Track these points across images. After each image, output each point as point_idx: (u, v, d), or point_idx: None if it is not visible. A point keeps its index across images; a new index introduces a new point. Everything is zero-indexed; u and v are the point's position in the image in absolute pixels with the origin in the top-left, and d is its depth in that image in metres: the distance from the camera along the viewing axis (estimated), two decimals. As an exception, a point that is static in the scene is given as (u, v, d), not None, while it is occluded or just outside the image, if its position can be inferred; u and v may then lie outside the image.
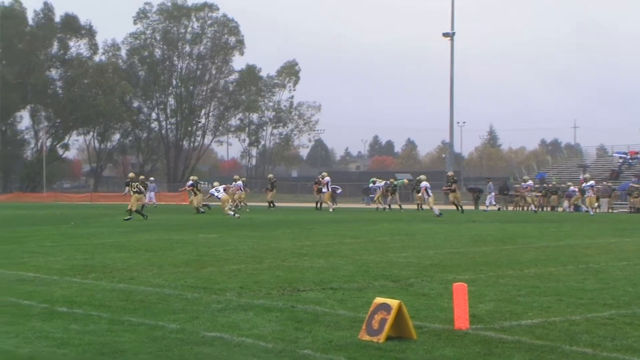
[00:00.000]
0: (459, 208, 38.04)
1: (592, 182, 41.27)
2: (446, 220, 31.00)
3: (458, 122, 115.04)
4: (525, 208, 46.81)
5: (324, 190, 43.00)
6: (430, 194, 36.79)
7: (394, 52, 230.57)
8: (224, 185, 37.32)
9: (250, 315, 8.85)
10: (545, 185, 53.40)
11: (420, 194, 39.41)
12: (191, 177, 43.98)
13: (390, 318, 7.33)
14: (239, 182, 43.07)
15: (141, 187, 34.36)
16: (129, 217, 31.49)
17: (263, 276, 12.32)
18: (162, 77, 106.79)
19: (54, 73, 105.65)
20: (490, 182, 49.41)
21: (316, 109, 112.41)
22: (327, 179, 43.59)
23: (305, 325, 8.19)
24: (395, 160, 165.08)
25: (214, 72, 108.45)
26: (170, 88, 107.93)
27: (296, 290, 10.72)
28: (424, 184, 37.07)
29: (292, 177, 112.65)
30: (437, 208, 35.58)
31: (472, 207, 47.86)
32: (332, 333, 7.81)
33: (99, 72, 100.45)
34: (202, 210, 38.66)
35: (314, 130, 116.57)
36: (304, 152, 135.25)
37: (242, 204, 42.54)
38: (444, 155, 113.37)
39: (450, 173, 42.34)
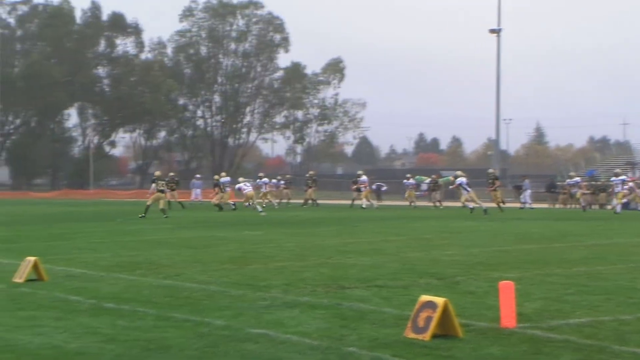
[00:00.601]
0: (500, 206, 37.36)
1: (623, 177, 40.55)
2: (492, 218, 30.76)
3: (504, 119, 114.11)
4: (572, 206, 46.26)
5: (362, 189, 42.97)
6: (469, 190, 36.14)
7: (440, 49, 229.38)
8: (251, 182, 37.34)
9: (295, 312, 8.85)
10: (594, 182, 52.72)
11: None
12: (214, 177, 44.29)
13: (436, 316, 7.28)
14: (265, 180, 43.19)
15: (167, 185, 34.24)
16: (142, 215, 31.30)
17: (308, 273, 12.31)
18: (207, 74, 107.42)
19: (101, 71, 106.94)
20: (527, 180, 48.90)
21: (361, 106, 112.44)
22: (364, 178, 43.39)
23: (350, 323, 8.17)
24: (441, 157, 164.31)
25: (259, 69, 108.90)
26: (216, 85, 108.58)
27: (341, 288, 10.69)
28: (460, 180, 36.51)
29: (337, 175, 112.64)
30: (472, 204, 35.14)
31: (519, 205, 47.44)
32: (378, 331, 7.78)
33: (145, 69, 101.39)
34: (233, 207, 38.55)
35: (359, 128, 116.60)
36: (349, 150, 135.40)
37: (267, 200, 42.46)
38: (489, 152, 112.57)
39: (491, 170, 41.67)
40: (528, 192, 46.19)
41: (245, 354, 6.82)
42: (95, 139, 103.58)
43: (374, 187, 62.62)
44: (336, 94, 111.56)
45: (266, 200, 42.05)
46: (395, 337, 7.44)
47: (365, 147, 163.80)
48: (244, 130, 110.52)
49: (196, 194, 52.90)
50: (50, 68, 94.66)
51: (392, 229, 23.91)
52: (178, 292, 10.32)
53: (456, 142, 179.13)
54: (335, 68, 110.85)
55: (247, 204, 36.92)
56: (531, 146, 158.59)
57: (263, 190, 41.91)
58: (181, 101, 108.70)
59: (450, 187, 40.92)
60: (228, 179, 39.84)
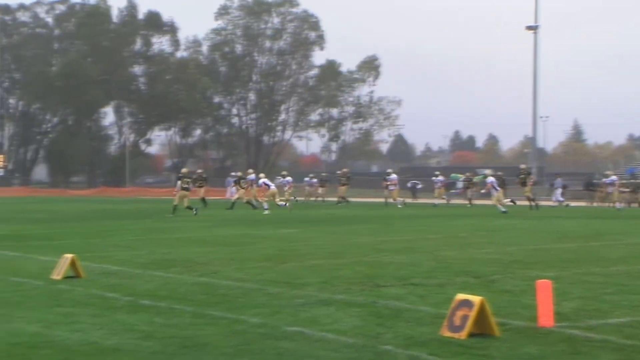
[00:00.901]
0: (532, 204, 36.91)
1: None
2: (528, 216, 30.56)
3: (541, 117, 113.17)
4: (610, 204, 45.78)
5: (391, 187, 42.83)
6: (498, 189, 35.76)
7: (476, 45, 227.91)
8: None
9: (331, 310, 8.86)
10: (633, 180, 52.12)
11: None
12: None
13: (473, 315, 7.25)
14: (288, 179, 42.79)
15: (195, 183, 34.15)
16: (171, 213, 31.41)
17: (344, 271, 12.32)
18: (242, 72, 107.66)
19: (137, 69, 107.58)
20: (559, 178, 48.46)
21: (396, 103, 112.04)
22: (393, 176, 43.24)
23: (386, 321, 8.16)
24: (477, 155, 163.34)
25: (294, 67, 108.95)
26: (251, 83, 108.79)
27: (377, 286, 10.68)
28: (490, 179, 36.10)
29: (372, 172, 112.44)
30: (502, 206, 34.60)
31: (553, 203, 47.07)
32: (414, 329, 7.77)
33: (181, 68, 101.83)
34: (255, 205, 38.48)
35: (394, 125, 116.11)
36: (384, 147, 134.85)
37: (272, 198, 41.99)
38: (526, 150, 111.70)
39: (523, 166, 41.01)
40: (559, 191, 45.81)
41: (281, 352, 6.84)
42: (132, 137, 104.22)
43: (409, 185, 62.51)
44: (371, 92, 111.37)
45: (290, 199, 41.60)
46: (431, 336, 7.42)
47: (400, 145, 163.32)
48: (279, 128, 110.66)
49: (232, 191, 53.07)
50: (87, 67, 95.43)
51: (428, 227, 23.85)
52: (214, 290, 10.37)
53: (492, 140, 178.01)
54: (371, 66, 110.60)
55: (281, 202, 36.77)
56: (569, 144, 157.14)
57: (285, 189, 41.59)
58: (216, 99, 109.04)
59: (482, 191, 40.62)
60: (253, 176, 39.91)
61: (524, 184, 38.28)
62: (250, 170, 41.30)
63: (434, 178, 47.73)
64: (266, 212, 33.78)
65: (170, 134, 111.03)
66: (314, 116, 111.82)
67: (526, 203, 37.84)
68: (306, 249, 16.14)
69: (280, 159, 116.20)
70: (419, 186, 61.20)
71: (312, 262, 13.66)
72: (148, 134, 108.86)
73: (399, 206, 40.88)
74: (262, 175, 38.05)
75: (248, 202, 38.09)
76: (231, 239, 19.22)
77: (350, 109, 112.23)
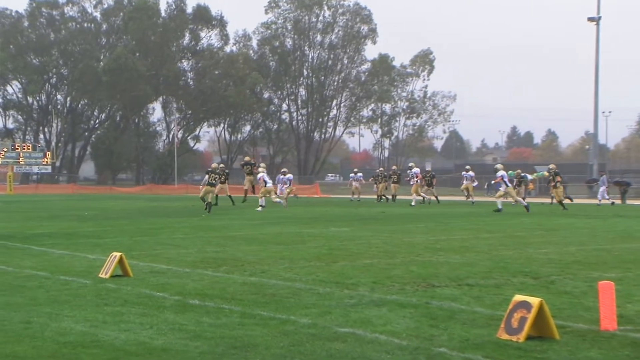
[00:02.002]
0: (562, 204, 36.16)
1: None
2: (590, 215, 30.20)
3: (603, 112, 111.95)
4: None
5: (411, 182, 42.25)
6: (509, 185, 35.07)
7: (534, 38, 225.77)
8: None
9: (383, 311, 8.84)
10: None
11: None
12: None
13: (531, 317, 7.18)
14: (289, 176, 42.17)
15: (217, 178, 33.99)
16: (207, 208, 31.47)
17: (396, 271, 12.29)
18: (293, 67, 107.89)
19: (185, 64, 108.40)
20: (604, 176, 47.64)
21: (451, 99, 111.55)
22: (415, 170, 42.66)
23: (440, 323, 8.13)
24: (535, 151, 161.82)
25: (345, 61, 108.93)
26: (301, 78, 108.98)
27: (431, 286, 10.64)
28: (501, 173, 35.43)
29: (426, 170, 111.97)
30: (500, 201, 33.87)
31: (619, 202, 46.42)
32: (469, 331, 7.72)
33: (229, 62, 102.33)
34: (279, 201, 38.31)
35: (449, 121, 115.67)
36: (438, 144, 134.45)
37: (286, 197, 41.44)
38: (587, 146, 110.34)
39: (552, 166, 39.91)
40: (602, 189, 45.11)
41: (332, 353, 6.84)
42: (180, 133, 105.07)
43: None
44: (425, 87, 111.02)
45: (290, 196, 41.17)
46: (487, 338, 7.37)
47: (455, 141, 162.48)
48: (330, 124, 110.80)
49: (282, 189, 53.26)
50: (134, 62, 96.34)
51: (484, 226, 23.67)
52: (264, 290, 10.41)
53: (551, 136, 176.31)
54: (425, 59, 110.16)
55: (277, 199, 36.22)
56: (632, 140, 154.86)
57: (282, 188, 40.94)
58: (266, 94, 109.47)
59: (492, 181, 39.95)
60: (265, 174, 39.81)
61: (553, 183, 37.38)
62: (263, 165, 40.63)
63: (464, 173, 47.10)
64: (259, 209, 33.90)
65: (219, 130, 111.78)
66: (366, 112, 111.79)
67: (565, 202, 37.04)
68: (357, 248, 16.12)
69: (331, 155, 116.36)
70: (475, 184, 60.75)
71: (364, 262, 13.64)
72: (196, 130, 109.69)
73: (412, 204, 39.67)
74: (261, 169, 37.32)
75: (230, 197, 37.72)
76: (281, 237, 19.26)
77: (403, 104, 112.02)
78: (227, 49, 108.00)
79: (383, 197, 47.10)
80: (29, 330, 7.81)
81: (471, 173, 45.83)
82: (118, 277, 11.50)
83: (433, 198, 44.11)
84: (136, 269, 12.28)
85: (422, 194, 42.51)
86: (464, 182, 45.42)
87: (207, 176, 33.31)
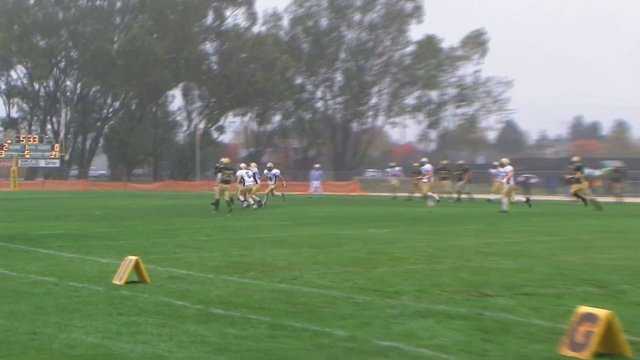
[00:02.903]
0: (584, 201, 35.71)
1: None
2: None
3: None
4: None
5: (424, 180, 41.49)
6: (510, 182, 34.77)
7: (601, 15, 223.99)
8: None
9: (429, 322, 8.83)
10: None
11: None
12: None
13: (599, 331, 7.12)
14: (275, 171, 41.31)
15: (232, 174, 34.12)
16: (214, 210, 31.78)
17: (444, 278, 12.27)
18: (328, 49, 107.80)
19: (208, 47, 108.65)
20: None
21: (506, 85, 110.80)
22: (427, 167, 41.75)
23: (494, 336, 8.10)
24: (602, 144, 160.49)
25: (387, 43, 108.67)
26: (338, 62, 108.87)
27: (483, 295, 10.61)
28: (509, 168, 35.09)
29: (478, 164, 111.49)
30: (507, 201, 33.74)
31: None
32: (526, 346, 7.68)
33: (257, 44, 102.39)
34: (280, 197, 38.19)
35: (504, 110, 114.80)
36: (491, 136, 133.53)
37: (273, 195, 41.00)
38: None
39: (575, 158, 39.24)
40: None
41: (371, 370, 6.84)
42: (202, 124, 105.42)
43: (520, 179, 61.77)
44: (477, 72, 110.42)
45: (277, 194, 40.84)
46: (547, 354, 7.33)
47: (510, 132, 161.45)
48: (370, 113, 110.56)
49: (315, 186, 53.42)
50: (152, 44, 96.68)
51: (542, 228, 23.56)
52: (295, 298, 10.43)
53: (620, 127, 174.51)
54: (477, 41, 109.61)
55: (241, 198, 36.20)
56: None
57: (270, 183, 40.47)
58: (298, 80, 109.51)
59: (503, 180, 39.60)
60: (277, 171, 39.80)
61: (576, 179, 36.67)
62: (270, 164, 40.53)
63: (491, 170, 46.64)
64: (252, 206, 34.83)
65: (246, 120, 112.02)
66: (410, 100, 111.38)
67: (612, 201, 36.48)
68: (400, 252, 16.10)
69: (371, 148, 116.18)
70: (533, 180, 60.42)
71: (407, 267, 13.63)
72: (220, 121, 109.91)
73: (430, 204, 38.87)
74: (242, 165, 37.40)
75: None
76: (314, 239, 19.29)
77: (452, 91, 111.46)
78: (255, 29, 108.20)
79: (458, 195, 46.80)
80: (35, 342, 7.88)
81: (509, 168, 45.52)
82: (134, 283, 11.57)
83: (464, 195, 44.10)
84: (154, 274, 12.35)
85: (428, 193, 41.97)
86: (496, 179, 45.25)
87: (219, 174, 33.60)
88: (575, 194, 36.71)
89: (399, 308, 9.69)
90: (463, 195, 45.30)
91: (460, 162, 50.17)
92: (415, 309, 9.61)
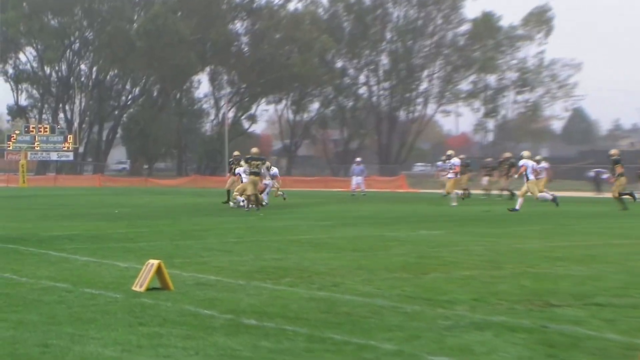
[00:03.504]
0: (619, 198, 35.19)
1: None
2: None
3: None
4: None
5: (449, 175, 40.56)
6: (531, 177, 34.33)
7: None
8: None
9: (487, 335, 8.80)
10: None
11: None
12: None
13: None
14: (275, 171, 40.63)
15: (261, 165, 34.09)
16: (225, 201, 32.03)
17: (503, 286, 12.22)
18: (372, 29, 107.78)
19: (238, 26, 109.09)
20: None
21: (574, 68, 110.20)
22: (455, 161, 40.77)
23: (561, 352, 8.06)
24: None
25: (439, 22, 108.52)
26: (384, 43, 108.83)
27: (548, 305, 10.56)
28: (524, 162, 34.68)
29: (504, 157, 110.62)
30: (522, 200, 33.47)
31: None
32: (598, 363, 7.64)
33: (293, 24, 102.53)
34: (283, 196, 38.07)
35: (571, 96, 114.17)
36: (557, 125, 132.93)
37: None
38: None
39: (613, 151, 38.29)
40: None
41: (422, 388, 6.83)
42: (231, 113, 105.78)
43: (591, 174, 61.43)
44: (541, 53, 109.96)
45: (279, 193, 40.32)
46: (621, 372, 7.28)
47: (578, 122, 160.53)
48: (419, 100, 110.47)
49: (357, 181, 53.43)
50: (175, 23, 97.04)
51: (616, 230, 23.43)
52: (336, 307, 10.43)
53: None
54: (540, 19, 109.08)
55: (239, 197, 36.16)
56: None
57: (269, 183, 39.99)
58: (339, 63, 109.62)
59: (513, 175, 39.23)
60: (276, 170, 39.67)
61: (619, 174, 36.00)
62: (268, 164, 39.73)
63: (536, 165, 46.22)
64: (238, 205, 34.71)
65: (280, 108, 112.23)
66: (465, 85, 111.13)
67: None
68: (454, 256, 16.07)
69: (420, 140, 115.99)
70: (605, 176, 59.98)
71: (462, 273, 13.60)
72: (252, 109, 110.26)
73: (453, 204, 38.09)
74: (243, 162, 37.18)
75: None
76: (358, 242, 19.28)
77: (512, 75, 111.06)
78: (291, 6, 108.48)
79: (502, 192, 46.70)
80: (47, 355, 7.93)
81: (544, 164, 45.26)
82: (155, 290, 11.62)
83: (506, 192, 43.94)
84: (178, 280, 12.40)
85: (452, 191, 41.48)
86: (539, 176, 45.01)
87: (246, 165, 33.67)
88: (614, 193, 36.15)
89: (452, 319, 9.67)
90: (504, 192, 45.13)
91: (507, 154, 49.88)
92: (471, 320, 9.58)
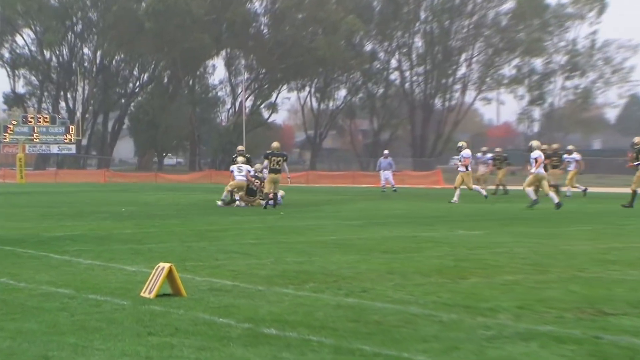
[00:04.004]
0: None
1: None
2: None
3: None
4: None
5: (460, 168, 39.96)
6: (540, 170, 34.24)
7: None
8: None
9: (532, 347, 8.79)
10: None
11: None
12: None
13: None
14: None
15: (282, 161, 34.38)
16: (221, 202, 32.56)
17: (551, 292, 12.20)
18: (405, 8, 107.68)
19: (256, 5, 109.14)
20: None
21: (631, 50, 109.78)
22: (465, 153, 40.15)
23: (614, 365, 8.05)
24: None
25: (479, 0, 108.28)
26: (417, 24, 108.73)
27: (601, 314, 10.53)
28: (537, 154, 34.52)
29: (593, 150, 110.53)
30: (533, 194, 33.68)
31: None
32: (658, 378, 7.63)
33: (318, 3, 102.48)
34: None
35: (627, 82, 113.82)
36: (611, 114, 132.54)
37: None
38: None
39: (638, 139, 37.56)
40: None
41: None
42: (249, 101, 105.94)
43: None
44: (593, 34, 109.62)
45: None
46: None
47: (635, 110, 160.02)
48: (457, 87, 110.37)
49: (385, 177, 53.36)
50: (188, 2, 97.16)
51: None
52: (365, 315, 10.44)
53: None
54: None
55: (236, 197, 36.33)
56: None
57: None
58: (368, 46, 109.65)
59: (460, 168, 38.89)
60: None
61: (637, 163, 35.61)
62: (258, 165, 39.65)
63: (566, 156, 46.02)
64: (219, 202, 35.88)
65: (303, 96, 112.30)
66: (508, 70, 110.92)
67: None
68: (495, 259, 16.04)
69: (458, 131, 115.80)
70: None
71: (505, 278, 13.58)
72: (272, 97, 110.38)
73: (453, 200, 38.18)
74: (240, 159, 37.31)
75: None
76: (389, 243, 19.28)
77: (560, 58, 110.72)
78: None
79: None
80: (48, 368, 7.97)
81: (575, 156, 45.17)
82: (166, 296, 11.65)
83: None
84: (191, 285, 12.43)
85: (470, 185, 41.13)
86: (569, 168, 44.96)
87: (266, 161, 34.13)
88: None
89: (494, 328, 9.66)
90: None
91: (555, 146, 49.70)
92: (515, 330, 9.57)
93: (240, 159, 37.15)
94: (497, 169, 48.40)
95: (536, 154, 34.23)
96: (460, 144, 41.79)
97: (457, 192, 39.10)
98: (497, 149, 50.93)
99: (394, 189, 51.75)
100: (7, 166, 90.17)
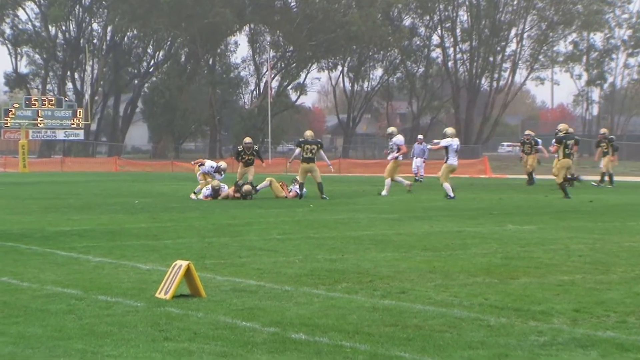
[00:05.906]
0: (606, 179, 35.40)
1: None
2: None
3: None
4: None
5: (389, 157, 39.22)
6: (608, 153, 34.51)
7: None
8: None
9: (592, 355, 8.77)
10: None
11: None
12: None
13: None
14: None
15: (242, 158, 34.72)
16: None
17: (612, 293, 12.15)
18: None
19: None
20: None
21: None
22: (398, 139, 39.31)
23: (684, 376, 8.02)
24: None
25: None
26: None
27: (669, 319, 10.50)
28: (399, 139, 34.66)
29: (600, 134, 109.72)
30: (448, 185, 33.84)
31: None
32: None
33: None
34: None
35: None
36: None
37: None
38: None
39: (603, 130, 38.48)
40: None
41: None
42: (275, 81, 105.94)
43: None
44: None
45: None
46: None
47: None
48: (506, 65, 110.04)
49: (417, 164, 52.95)
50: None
51: None
52: (404, 319, 10.43)
53: None
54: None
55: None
56: None
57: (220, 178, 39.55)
58: (407, 21, 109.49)
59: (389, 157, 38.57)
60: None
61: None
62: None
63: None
64: (193, 196, 36.30)
65: (335, 76, 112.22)
66: (563, 46, 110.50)
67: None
68: (549, 257, 16.01)
69: (507, 114, 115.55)
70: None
71: (560, 278, 13.54)
72: (300, 77, 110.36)
73: (448, 197, 37.86)
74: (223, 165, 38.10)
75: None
76: (431, 239, 19.25)
77: (623, 33, 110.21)
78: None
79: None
80: (53, 376, 8.00)
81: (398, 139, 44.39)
82: (184, 297, 11.68)
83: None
84: (211, 285, 12.45)
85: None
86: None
87: (298, 149, 34.49)
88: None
89: (548, 334, 9.64)
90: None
91: (603, 130, 49.50)
92: (572, 336, 9.55)
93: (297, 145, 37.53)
94: (526, 155, 47.84)
95: (398, 139, 35.06)
96: (390, 129, 41.10)
97: (447, 186, 38.64)
98: (527, 132, 50.37)
99: (417, 178, 50.33)
100: (8, 153, 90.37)
